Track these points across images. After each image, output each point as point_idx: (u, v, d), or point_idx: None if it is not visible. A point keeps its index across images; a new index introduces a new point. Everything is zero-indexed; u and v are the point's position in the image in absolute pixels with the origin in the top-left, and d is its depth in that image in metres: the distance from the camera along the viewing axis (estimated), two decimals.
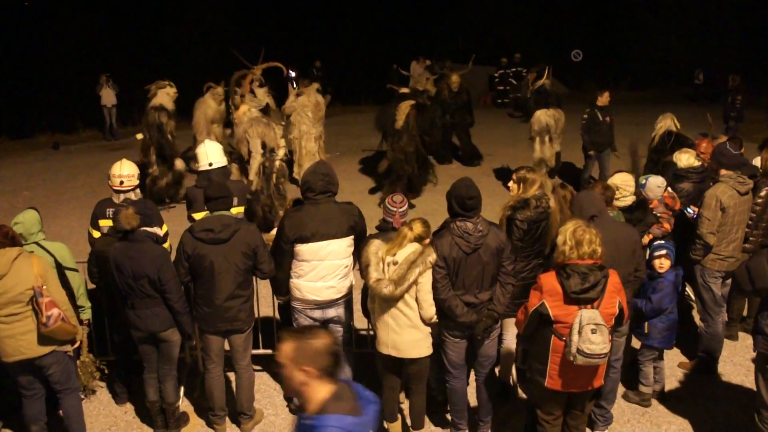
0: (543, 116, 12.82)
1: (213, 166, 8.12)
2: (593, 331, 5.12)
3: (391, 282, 5.77)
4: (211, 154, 8.19)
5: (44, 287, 5.92)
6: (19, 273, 5.84)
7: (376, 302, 6.10)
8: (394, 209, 6.58)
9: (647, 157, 10.98)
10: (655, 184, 7.43)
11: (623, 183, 7.06)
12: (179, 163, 14.17)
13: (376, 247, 5.94)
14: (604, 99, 13.75)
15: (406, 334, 6.00)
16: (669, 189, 7.71)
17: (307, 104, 15.07)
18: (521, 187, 6.82)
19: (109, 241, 6.83)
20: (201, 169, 8.22)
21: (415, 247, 5.88)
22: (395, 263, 5.83)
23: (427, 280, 5.87)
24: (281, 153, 11.94)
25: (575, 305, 5.21)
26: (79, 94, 23.86)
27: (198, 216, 7.50)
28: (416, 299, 5.93)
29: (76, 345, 6.44)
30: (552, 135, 13.24)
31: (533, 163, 13.14)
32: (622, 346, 6.54)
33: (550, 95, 13.35)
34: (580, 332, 5.13)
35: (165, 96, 14.14)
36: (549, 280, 5.35)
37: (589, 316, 5.15)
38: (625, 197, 7.05)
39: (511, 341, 7.07)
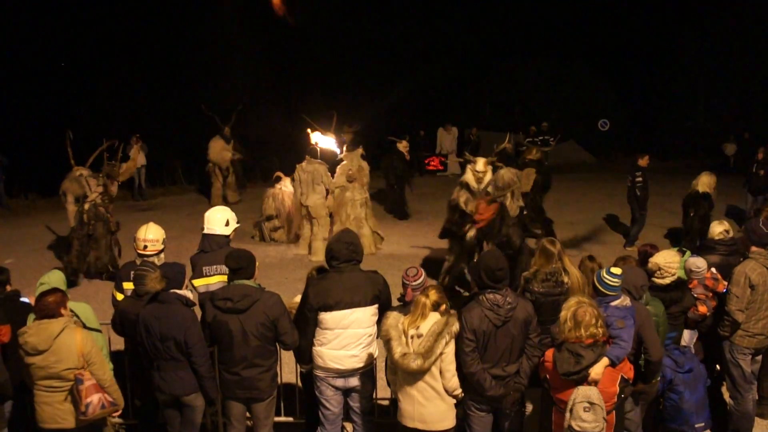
0: (506, 174, 13.53)
1: (230, 233, 7.61)
2: (585, 409, 5.10)
3: (418, 356, 5.68)
4: (232, 220, 7.65)
5: (85, 370, 5.88)
6: (61, 351, 5.82)
7: (398, 375, 6.01)
8: (407, 283, 6.51)
9: None
10: (695, 264, 7.28)
11: (666, 264, 6.88)
12: None
13: (395, 320, 5.87)
14: (644, 161, 15.54)
15: (432, 406, 5.91)
16: (713, 270, 7.49)
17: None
18: (540, 258, 6.85)
19: (132, 302, 6.81)
20: (216, 233, 7.56)
21: (437, 317, 5.84)
22: (419, 336, 5.76)
23: (450, 350, 5.82)
24: (92, 197, 13.48)
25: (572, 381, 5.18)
26: (109, 153, 24.24)
27: (197, 283, 7.38)
28: (440, 370, 5.86)
29: (118, 413, 6.42)
30: (515, 191, 13.88)
31: None
32: (636, 420, 6.39)
33: (510, 157, 15.04)
34: (571, 410, 5.11)
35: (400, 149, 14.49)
36: (549, 354, 5.40)
37: (583, 394, 5.11)
38: (665, 278, 6.92)
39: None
